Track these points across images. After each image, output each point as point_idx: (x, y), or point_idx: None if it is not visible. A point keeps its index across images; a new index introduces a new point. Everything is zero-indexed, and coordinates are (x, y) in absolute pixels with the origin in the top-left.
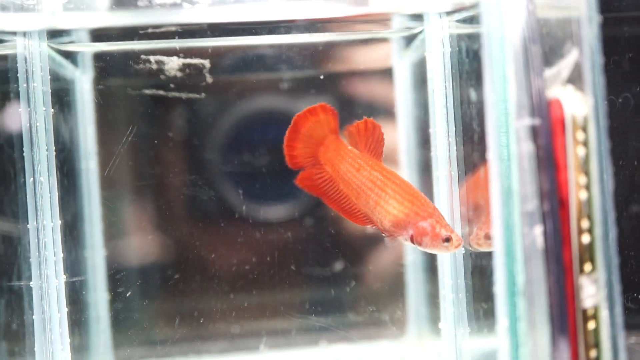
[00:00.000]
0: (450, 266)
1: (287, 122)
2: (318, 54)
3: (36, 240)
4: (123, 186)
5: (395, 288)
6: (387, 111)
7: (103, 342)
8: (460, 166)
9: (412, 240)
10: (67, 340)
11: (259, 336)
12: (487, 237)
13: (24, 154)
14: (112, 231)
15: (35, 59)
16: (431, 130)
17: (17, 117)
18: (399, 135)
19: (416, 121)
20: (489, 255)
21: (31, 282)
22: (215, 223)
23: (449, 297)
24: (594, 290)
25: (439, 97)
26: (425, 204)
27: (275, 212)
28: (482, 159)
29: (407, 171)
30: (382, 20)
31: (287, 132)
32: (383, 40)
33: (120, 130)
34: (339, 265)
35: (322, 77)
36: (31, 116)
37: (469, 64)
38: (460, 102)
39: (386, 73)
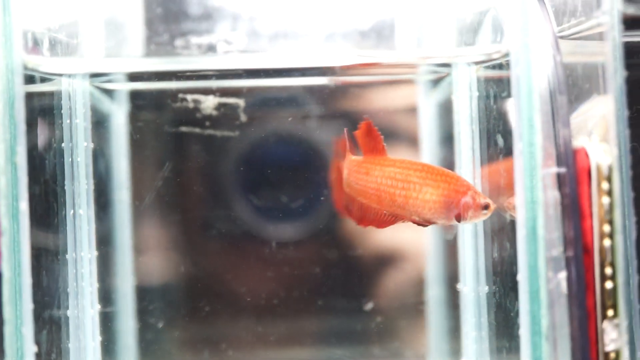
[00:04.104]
0: (474, 304)
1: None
2: (346, 94)
3: (74, 271)
4: (155, 220)
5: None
6: (411, 149)
7: None
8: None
9: (457, 218)
10: None
11: None
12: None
13: (66, 187)
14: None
15: (77, 96)
16: (457, 170)
17: (60, 152)
18: None
19: (442, 162)
20: (512, 295)
21: (68, 312)
22: (247, 257)
23: (471, 334)
24: (616, 335)
25: (465, 140)
26: (459, 179)
27: (307, 247)
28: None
29: None
30: (409, 66)
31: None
32: (409, 81)
33: (154, 165)
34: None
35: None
36: (73, 152)
37: (496, 110)
38: (487, 146)
39: (411, 112)
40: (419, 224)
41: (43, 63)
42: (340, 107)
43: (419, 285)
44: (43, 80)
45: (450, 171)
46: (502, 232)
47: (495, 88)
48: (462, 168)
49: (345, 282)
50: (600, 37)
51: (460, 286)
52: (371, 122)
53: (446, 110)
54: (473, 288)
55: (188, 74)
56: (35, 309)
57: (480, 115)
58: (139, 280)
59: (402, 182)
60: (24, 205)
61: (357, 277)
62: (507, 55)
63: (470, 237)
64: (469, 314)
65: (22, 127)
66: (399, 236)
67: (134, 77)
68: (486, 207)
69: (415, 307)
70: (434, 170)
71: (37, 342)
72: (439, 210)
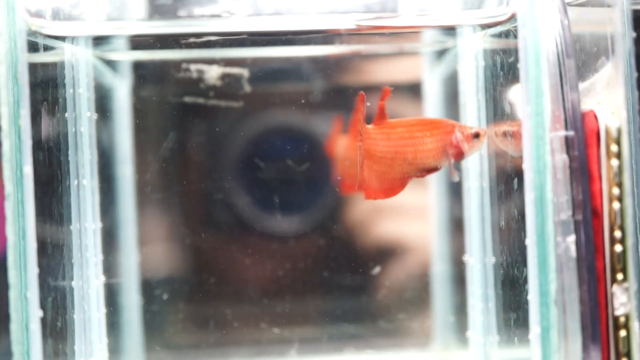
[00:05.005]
0: (480, 275)
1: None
2: (350, 66)
3: (79, 241)
4: (158, 191)
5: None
6: None
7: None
8: (492, 178)
9: (456, 156)
10: (105, 340)
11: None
12: (506, 134)
13: (69, 157)
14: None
15: (81, 66)
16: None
17: (63, 121)
18: None
19: None
20: (520, 264)
21: (73, 282)
22: (248, 229)
23: (478, 306)
24: (625, 299)
25: (471, 110)
26: (444, 121)
27: (314, 223)
28: (516, 169)
29: (435, 183)
30: (413, 32)
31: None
32: (413, 53)
33: (157, 136)
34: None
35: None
36: (76, 121)
37: (503, 77)
38: (494, 115)
39: (416, 86)
40: (424, 176)
41: (46, 26)
42: (345, 80)
43: (425, 260)
44: (46, 48)
45: (435, 118)
46: (509, 200)
47: (503, 55)
48: None
49: (352, 259)
50: (607, 2)
51: (466, 258)
52: (363, 94)
53: (451, 83)
54: (480, 259)
55: (191, 39)
56: (40, 274)
57: (486, 84)
58: (143, 254)
59: (410, 140)
60: (28, 169)
61: (363, 254)
62: (513, 18)
63: (477, 208)
64: (476, 285)
65: (25, 90)
66: (404, 219)
67: (136, 45)
68: (477, 135)
69: (421, 280)
70: (426, 121)
71: (43, 309)
72: (439, 155)
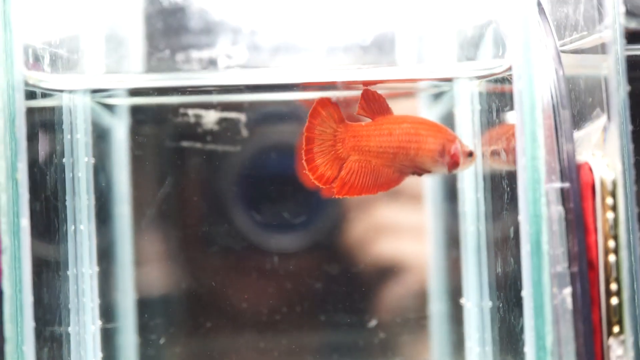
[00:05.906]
0: (477, 319)
1: None
2: (346, 108)
3: (75, 287)
4: (156, 234)
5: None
6: None
7: None
8: (488, 221)
9: (451, 165)
10: None
11: None
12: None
13: (67, 203)
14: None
15: (78, 111)
16: (459, 186)
17: (61, 167)
18: (425, 188)
19: (443, 175)
20: (516, 310)
21: (69, 328)
22: (248, 271)
23: (475, 349)
24: (621, 352)
25: None
26: (446, 130)
27: (308, 261)
28: (512, 218)
29: (433, 222)
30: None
31: (302, 151)
32: (410, 94)
33: (155, 179)
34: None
35: None
36: (74, 167)
37: (499, 123)
38: (491, 160)
39: None
40: (417, 174)
41: (44, 79)
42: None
43: (422, 299)
44: (44, 95)
45: (438, 123)
46: (505, 247)
47: (498, 102)
48: (465, 181)
49: (347, 296)
50: (602, 50)
51: (463, 301)
52: (370, 89)
53: (448, 124)
54: (476, 303)
55: (189, 89)
56: (37, 326)
57: (482, 128)
58: (139, 295)
59: (414, 136)
60: (25, 222)
61: (359, 290)
62: (509, 69)
63: (473, 252)
64: (473, 329)
65: (23, 144)
66: (400, 248)
67: (135, 92)
68: (470, 154)
69: (417, 321)
70: (429, 122)
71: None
72: (436, 158)
